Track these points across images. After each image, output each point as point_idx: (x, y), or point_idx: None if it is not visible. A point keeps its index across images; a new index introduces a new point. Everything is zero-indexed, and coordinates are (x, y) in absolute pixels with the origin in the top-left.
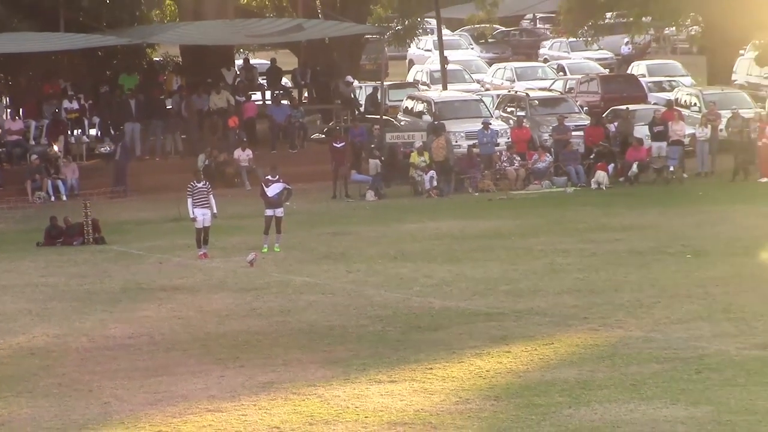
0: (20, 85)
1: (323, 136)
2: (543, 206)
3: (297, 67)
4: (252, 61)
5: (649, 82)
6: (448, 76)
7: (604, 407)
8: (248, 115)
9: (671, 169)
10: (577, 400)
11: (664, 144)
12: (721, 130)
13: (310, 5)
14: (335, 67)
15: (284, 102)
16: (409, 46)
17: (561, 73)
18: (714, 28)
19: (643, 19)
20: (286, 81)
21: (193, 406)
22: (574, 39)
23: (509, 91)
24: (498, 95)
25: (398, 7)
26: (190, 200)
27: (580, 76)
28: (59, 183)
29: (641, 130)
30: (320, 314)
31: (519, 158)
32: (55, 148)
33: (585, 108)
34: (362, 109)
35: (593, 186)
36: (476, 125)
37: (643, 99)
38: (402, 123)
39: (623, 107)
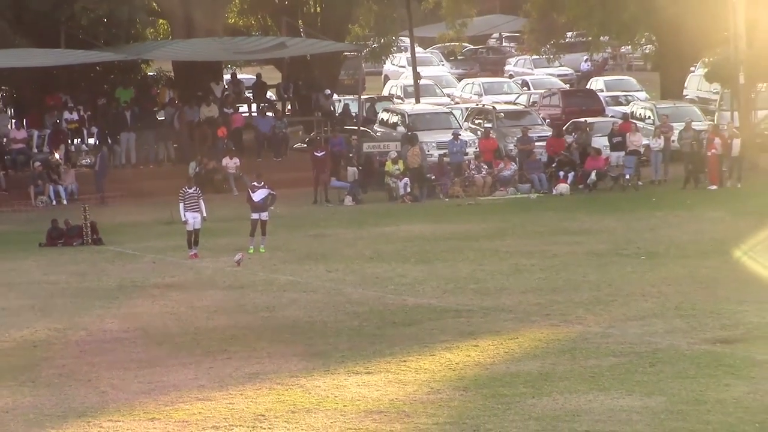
0: (24, 97)
1: (305, 145)
2: (508, 211)
3: (281, 81)
4: (239, 76)
5: (607, 97)
6: (420, 90)
7: (564, 397)
8: (236, 125)
9: (627, 177)
10: (540, 391)
11: (620, 154)
12: (673, 141)
13: (293, 25)
14: (316, 82)
15: (269, 114)
16: (385, 63)
17: (525, 88)
18: (666, 47)
19: (601, 38)
20: (270, 94)
21: (184, 395)
22: (538, 56)
23: (477, 105)
24: (467, 108)
25: (374, 26)
26: (181, 204)
27: (542, 91)
28: (60, 188)
29: (599, 141)
30: (302, 310)
31: (486, 167)
32: (57, 156)
33: (547, 120)
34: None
35: (555, 193)
36: (447, 136)
37: (601, 112)
38: (378, 134)
39: (582, 120)
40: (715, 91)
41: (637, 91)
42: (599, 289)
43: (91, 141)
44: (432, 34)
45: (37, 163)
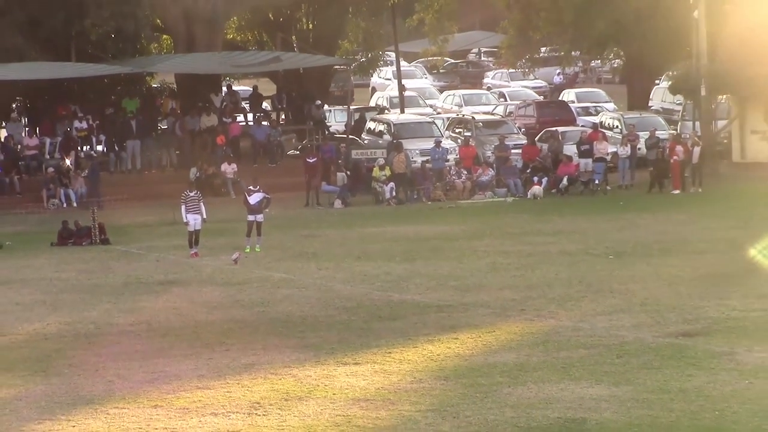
0: (37, 107)
1: (298, 152)
2: (486, 214)
3: (275, 93)
4: (237, 88)
5: (578, 108)
6: (405, 101)
7: (538, 386)
8: (233, 134)
9: (596, 182)
10: (515, 380)
11: (590, 161)
12: (639, 148)
13: (287, 40)
14: (308, 93)
15: (264, 123)
16: (372, 76)
17: (502, 100)
18: (633, 61)
19: (573, 53)
20: (266, 105)
21: (185, 384)
22: (514, 70)
23: (457, 115)
24: (448, 118)
25: (362, 42)
26: (183, 207)
27: (518, 102)
28: (70, 192)
29: (571, 149)
30: (295, 305)
31: (466, 172)
32: (67, 161)
33: (523, 129)
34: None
35: (529, 197)
36: (429, 144)
37: (573, 122)
38: (365, 141)
39: (555, 129)
40: (678, 102)
41: (606, 102)
42: (570, 286)
43: (99, 148)
44: (416, 49)
45: (50, 169)
